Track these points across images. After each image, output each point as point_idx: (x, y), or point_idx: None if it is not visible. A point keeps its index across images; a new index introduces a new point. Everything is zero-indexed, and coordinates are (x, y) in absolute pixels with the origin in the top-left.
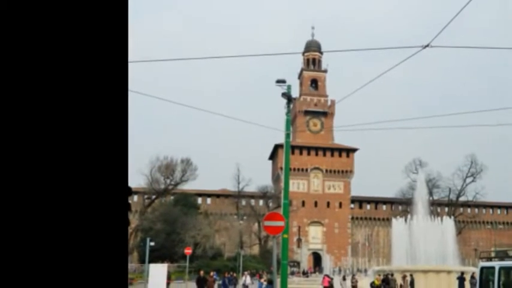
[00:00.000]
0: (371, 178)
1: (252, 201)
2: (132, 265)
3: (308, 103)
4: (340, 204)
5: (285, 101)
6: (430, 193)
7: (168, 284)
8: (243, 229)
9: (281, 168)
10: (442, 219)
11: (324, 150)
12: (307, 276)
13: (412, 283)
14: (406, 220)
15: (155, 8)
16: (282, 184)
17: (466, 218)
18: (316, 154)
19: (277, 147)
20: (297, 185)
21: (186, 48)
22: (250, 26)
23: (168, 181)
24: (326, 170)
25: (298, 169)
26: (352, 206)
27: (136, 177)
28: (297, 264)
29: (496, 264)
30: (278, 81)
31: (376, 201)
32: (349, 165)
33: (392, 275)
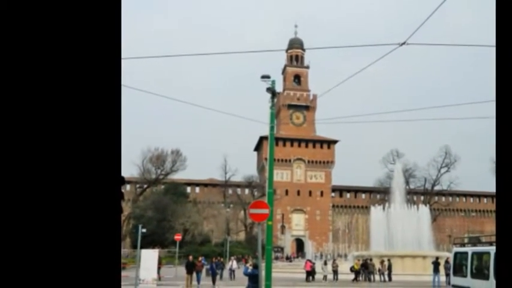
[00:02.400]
0: (351, 168)
1: (238, 190)
2: (125, 250)
3: (291, 97)
4: (322, 193)
5: (269, 95)
6: (407, 182)
7: (159, 268)
8: (229, 216)
9: (266, 159)
10: (418, 207)
11: (306, 142)
12: (291, 261)
13: (389, 267)
14: (384, 208)
15: (147, 8)
16: (267, 174)
17: (441, 206)
18: (299, 145)
19: (262, 139)
20: (280, 175)
21: (177, 46)
22: (237, 25)
23: (159, 171)
24: (308, 161)
25: (282, 160)
26: (332, 194)
27: (129, 167)
28: (281, 249)
29: (469, 249)
30: (263, 77)
31: (356, 190)
32: (330, 156)
33: (371, 259)
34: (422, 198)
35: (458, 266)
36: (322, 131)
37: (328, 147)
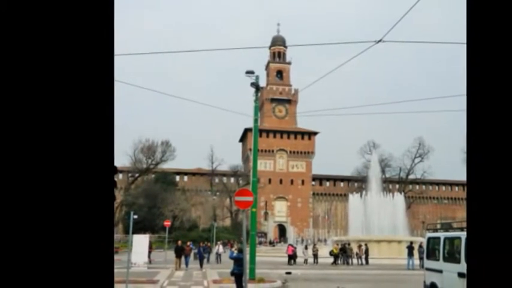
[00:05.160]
0: (330, 158)
1: (224, 179)
2: (118, 236)
3: (274, 92)
4: (303, 182)
5: (253, 89)
6: (383, 172)
7: (149, 252)
8: (216, 204)
9: (250, 150)
10: (393, 195)
11: (288, 133)
12: (273, 246)
13: (366, 251)
14: (361, 196)
15: (138, 7)
16: (251, 164)
17: (415, 194)
18: (281, 137)
19: (246, 131)
20: (264, 165)
21: (167, 43)
22: (223, 23)
23: (149, 161)
24: (290, 151)
25: (265, 150)
26: (313, 183)
27: (122, 157)
28: (264, 235)
29: (441, 234)
30: (248, 72)
31: (335, 179)
32: (310, 147)
33: (349, 244)
34: (397, 186)
35: (431, 250)
36: (303, 123)
37: (309, 138)
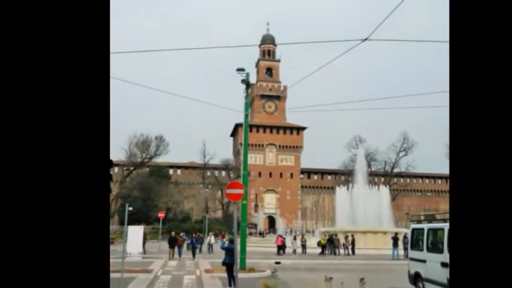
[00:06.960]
0: (318, 152)
1: (216, 172)
2: (113, 227)
3: (264, 88)
4: (291, 175)
5: (244, 86)
6: (369, 165)
7: (144, 243)
8: (208, 196)
9: (241, 144)
10: (378, 188)
11: (278, 128)
12: (263, 237)
13: (353, 242)
14: (348, 188)
15: (135, 6)
16: (242, 157)
17: (399, 186)
18: (271, 132)
19: (237, 126)
20: (254, 159)
21: (162, 41)
22: (217, 23)
23: (144, 155)
24: (279, 146)
25: (256, 145)
26: (301, 176)
27: (117, 151)
28: (255, 226)
29: (425, 226)
30: (238, 70)
31: (322, 172)
32: (299, 141)
33: (336, 235)
34: (382, 179)
35: (415, 241)
36: (292, 119)
37: (298, 133)
